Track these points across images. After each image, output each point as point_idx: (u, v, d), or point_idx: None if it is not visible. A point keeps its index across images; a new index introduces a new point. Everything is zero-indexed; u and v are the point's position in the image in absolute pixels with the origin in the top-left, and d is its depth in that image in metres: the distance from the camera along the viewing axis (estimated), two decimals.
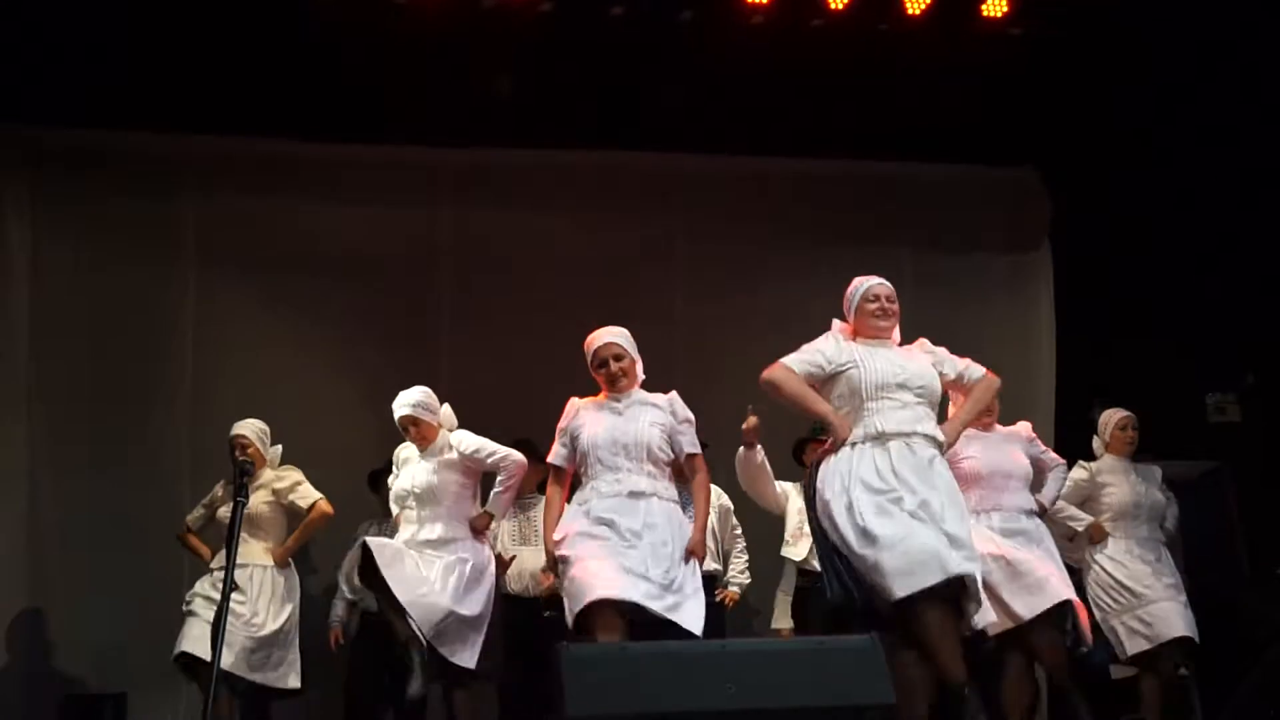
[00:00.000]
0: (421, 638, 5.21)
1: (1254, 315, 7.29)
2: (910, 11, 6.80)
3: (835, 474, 4.56)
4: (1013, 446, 5.56)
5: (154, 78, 6.78)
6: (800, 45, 6.87)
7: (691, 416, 5.02)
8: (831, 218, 7.82)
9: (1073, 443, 6.53)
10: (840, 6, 6.75)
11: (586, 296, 7.41)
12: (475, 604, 5.38)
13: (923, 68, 7.00)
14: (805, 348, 4.76)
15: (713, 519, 6.18)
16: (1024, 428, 5.74)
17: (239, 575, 5.86)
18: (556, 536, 4.84)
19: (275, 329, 7.54)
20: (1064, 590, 5.17)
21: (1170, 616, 5.93)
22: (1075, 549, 6.14)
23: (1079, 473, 6.17)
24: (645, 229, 7.80)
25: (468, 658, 5.35)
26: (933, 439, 4.62)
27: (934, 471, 4.54)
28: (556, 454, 5.03)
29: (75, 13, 6.47)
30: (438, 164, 7.69)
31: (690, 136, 7.45)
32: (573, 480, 5.10)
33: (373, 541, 5.37)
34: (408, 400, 5.59)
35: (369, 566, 5.30)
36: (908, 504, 4.40)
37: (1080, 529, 6.05)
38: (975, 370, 4.90)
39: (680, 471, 5.11)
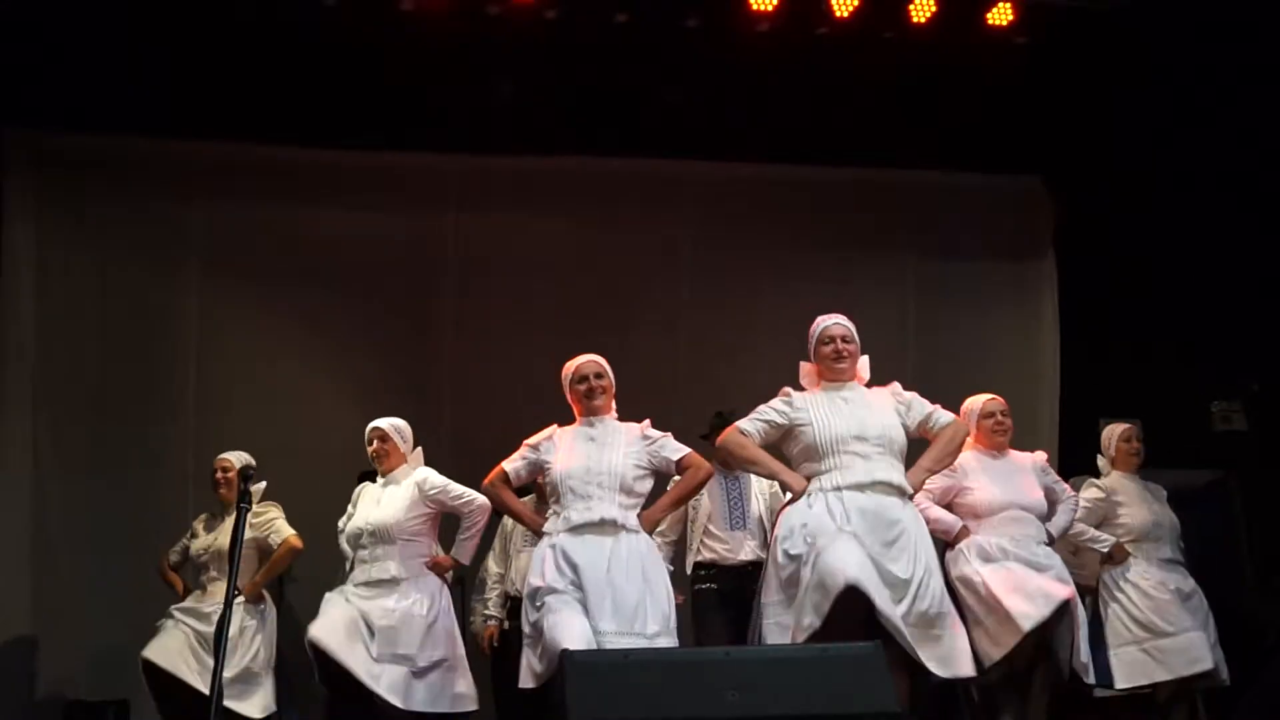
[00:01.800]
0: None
1: (1259, 323, 7.28)
2: (915, 20, 6.81)
3: (789, 524, 4.61)
4: (1026, 476, 5.50)
5: (159, 83, 6.78)
6: (806, 53, 6.89)
7: (664, 433, 4.96)
8: (836, 225, 7.82)
9: (1076, 450, 6.52)
10: (846, 14, 6.76)
11: (591, 303, 7.44)
12: (436, 650, 5.35)
13: (928, 76, 7.01)
14: (759, 409, 4.83)
15: (761, 506, 5.97)
16: (1040, 456, 5.68)
17: (209, 611, 5.93)
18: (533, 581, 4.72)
19: (279, 335, 7.53)
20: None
21: (1192, 649, 5.80)
22: (1082, 567, 6.08)
23: (1093, 492, 6.06)
24: (650, 235, 7.80)
25: (445, 703, 5.35)
26: (894, 486, 4.62)
27: (894, 528, 4.54)
28: (514, 465, 4.92)
29: (80, 17, 6.48)
30: (442, 170, 7.68)
31: (696, 143, 7.45)
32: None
33: (319, 636, 5.28)
34: (386, 419, 5.65)
35: (323, 662, 5.28)
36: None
37: (1104, 550, 5.94)
38: (943, 416, 4.87)
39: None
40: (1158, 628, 5.83)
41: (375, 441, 5.60)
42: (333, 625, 5.28)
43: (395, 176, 7.60)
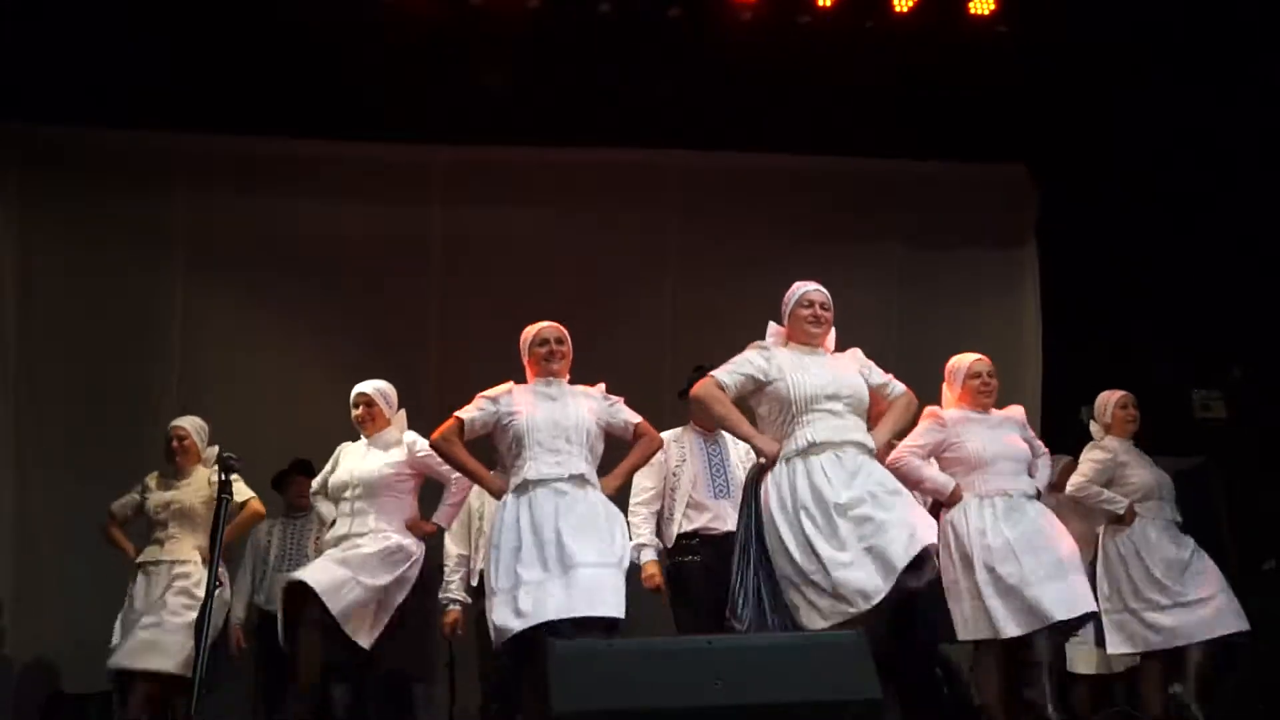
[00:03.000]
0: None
1: (1239, 311, 7.31)
2: (898, 9, 6.83)
3: (775, 488, 4.63)
4: (1009, 429, 5.46)
5: (145, 75, 6.77)
6: (788, 42, 6.89)
7: (618, 398, 4.98)
8: (820, 214, 7.84)
9: (1058, 436, 6.54)
10: (828, 4, 6.78)
11: (577, 293, 7.41)
12: (383, 578, 5.34)
13: (910, 65, 7.02)
14: (735, 360, 4.83)
15: (743, 473, 5.62)
16: (1018, 411, 5.65)
17: (164, 571, 5.93)
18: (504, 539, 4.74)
19: (265, 328, 7.53)
20: (1057, 609, 5.02)
21: (1185, 626, 5.78)
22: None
23: (1099, 453, 6.06)
24: (635, 226, 7.80)
25: (364, 637, 5.31)
26: (863, 446, 4.68)
27: (863, 473, 4.60)
28: (470, 414, 4.86)
29: (66, 10, 6.47)
30: (428, 161, 7.69)
31: (679, 133, 7.46)
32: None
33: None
34: (371, 382, 5.64)
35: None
36: (846, 527, 4.49)
37: (1119, 510, 5.94)
38: (897, 386, 4.94)
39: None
40: (1155, 599, 5.83)
41: (361, 406, 5.59)
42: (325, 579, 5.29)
43: (380, 167, 7.59)
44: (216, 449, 6.09)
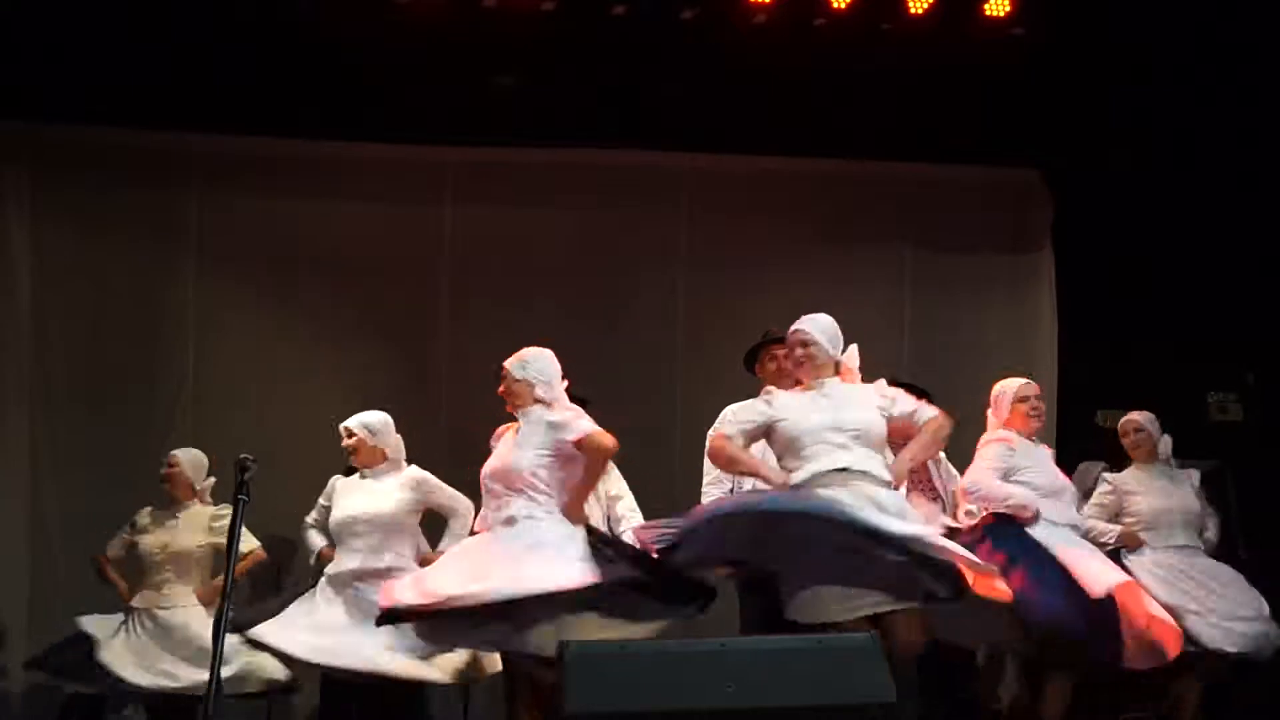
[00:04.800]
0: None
1: (1256, 314, 7.30)
2: (913, 11, 6.82)
3: None
4: (1049, 461, 5.51)
5: (157, 75, 6.79)
6: (802, 45, 6.89)
7: (573, 411, 4.98)
8: (833, 217, 7.81)
9: (1073, 441, 6.53)
10: (843, 6, 6.78)
11: (588, 295, 7.45)
12: None
13: (925, 68, 7.01)
14: (739, 409, 4.94)
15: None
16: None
17: (173, 620, 5.96)
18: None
19: (276, 328, 7.53)
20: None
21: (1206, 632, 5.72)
22: None
23: (1103, 488, 6.12)
24: (646, 228, 7.79)
25: None
26: (876, 478, 4.62)
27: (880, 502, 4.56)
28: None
29: (77, 9, 6.49)
30: (439, 163, 7.68)
31: (692, 135, 7.45)
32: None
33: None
34: (357, 416, 5.72)
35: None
36: None
37: (1111, 541, 5.92)
38: (926, 411, 4.87)
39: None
40: (1176, 607, 5.75)
41: (344, 438, 5.74)
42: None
43: (392, 169, 7.59)
44: (213, 481, 6.13)
